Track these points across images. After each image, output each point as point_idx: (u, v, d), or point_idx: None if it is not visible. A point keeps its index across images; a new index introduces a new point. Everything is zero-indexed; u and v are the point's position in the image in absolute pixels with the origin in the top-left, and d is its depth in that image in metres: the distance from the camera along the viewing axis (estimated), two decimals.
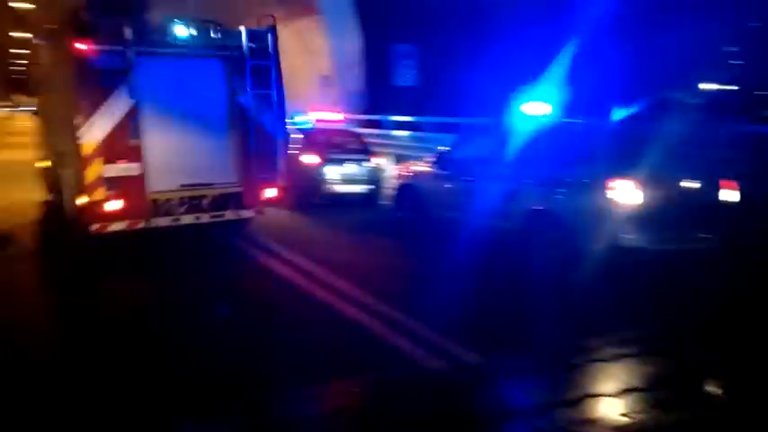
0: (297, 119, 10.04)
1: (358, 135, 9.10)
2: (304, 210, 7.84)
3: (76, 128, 4.02)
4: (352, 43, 13.99)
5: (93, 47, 3.89)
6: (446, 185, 5.25)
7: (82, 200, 4.16)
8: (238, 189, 4.69)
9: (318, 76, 14.12)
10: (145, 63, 4.11)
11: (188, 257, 4.64)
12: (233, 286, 4.24)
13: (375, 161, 8.46)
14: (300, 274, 4.44)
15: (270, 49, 4.67)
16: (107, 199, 4.10)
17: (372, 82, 14.13)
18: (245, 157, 4.66)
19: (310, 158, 8.27)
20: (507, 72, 8.82)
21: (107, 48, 3.97)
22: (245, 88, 4.61)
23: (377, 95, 13.62)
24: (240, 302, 3.86)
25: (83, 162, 4.06)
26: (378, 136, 11.74)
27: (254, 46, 4.63)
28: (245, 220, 4.88)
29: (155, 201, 4.40)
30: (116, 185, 4.16)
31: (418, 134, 11.01)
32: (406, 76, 12.59)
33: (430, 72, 12.61)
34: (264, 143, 4.69)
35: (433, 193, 5.41)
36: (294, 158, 8.26)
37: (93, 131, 4.08)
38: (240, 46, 4.63)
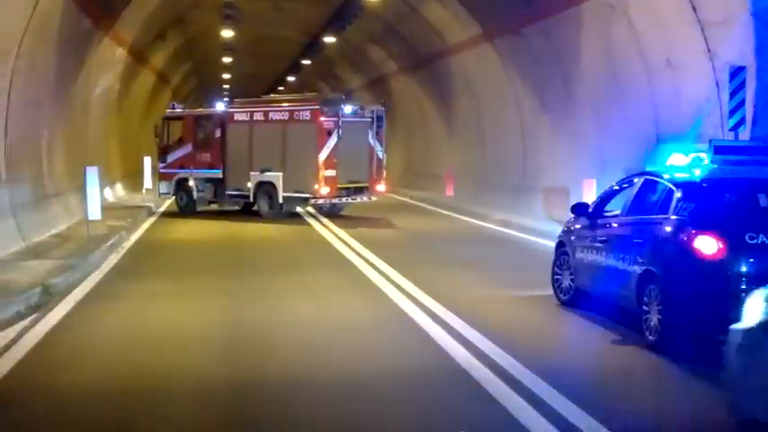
0: (673, 160, 10.01)
1: None
2: (700, 360, 8.05)
3: (317, 153, 20.91)
4: None
5: (326, 119, 21.27)
6: None
7: (315, 186, 21.00)
8: (368, 184, 22.27)
9: (721, 66, 13.60)
10: (340, 124, 21.05)
11: None
12: None
13: None
14: None
15: (383, 118, 22.28)
16: (325, 186, 21.06)
17: None
18: (370, 167, 22.10)
19: (706, 243, 8.30)
20: None
21: (330, 119, 21.26)
22: (372, 135, 21.98)
23: None
24: None
25: (318, 168, 20.83)
26: None
27: (378, 116, 22.15)
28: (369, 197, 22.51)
29: (341, 188, 21.58)
30: (328, 181, 21.08)
31: None
32: None
33: None
34: (378, 162, 22.22)
35: None
36: (677, 242, 9.00)
37: (322, 155, 20.91)
38: (373, 116, 22.03)
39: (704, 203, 8.48)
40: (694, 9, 14.34)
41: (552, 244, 11.77)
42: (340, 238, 17.73)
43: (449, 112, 30.01)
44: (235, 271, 13.82)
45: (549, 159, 21.60)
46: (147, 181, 28.41)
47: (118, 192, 28.94)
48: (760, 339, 4.58)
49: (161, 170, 24.84)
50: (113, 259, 14.58)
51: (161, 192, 25.19)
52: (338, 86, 41.22)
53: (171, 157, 24.40)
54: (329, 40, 33.87)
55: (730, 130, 13.18)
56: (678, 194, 8.75)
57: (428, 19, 26.40)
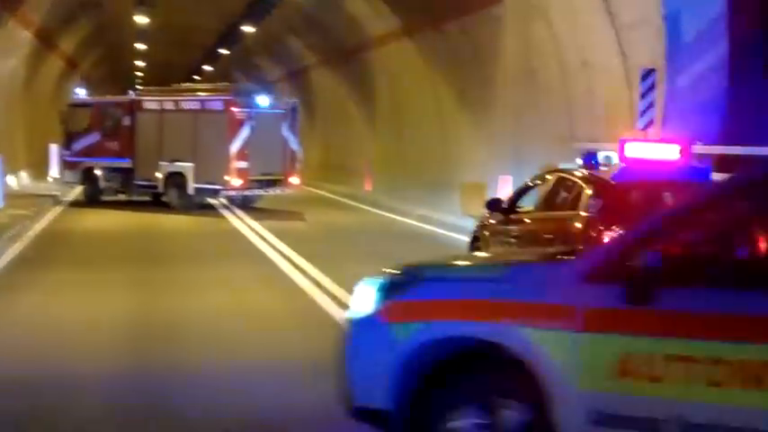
0: (584, 158, 10.21)
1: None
2: None
3: (229, 144, 20.99)
4: (709, 6, 13.35)
5: (239, 110, 21.24)
6: None
7: (226, 177, 21.18)
8: (282, 177, 22.51)
9: (633, 68, 13.95)
10: (253, 115, 21.38)
11: None
12: None
13: None
14: None
15: (297, 110, 23.12)
16: (237, 178, 21.25)
17: (748, 79, 13.18)
18: (284, 160, 22.46)
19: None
20: None
21: (243, 110, 21.32)
22: (286, 127, 22.43)
23: (759, 105, 12.64)
24: None
25: (230, 160, 20.92)
26: None
27: (292, 108, 22.93)
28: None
29: (253, 180, 21.69)
30: (240, 173, 21.17)
31: None
32: None
33: None
34: (291, 154, 22.67)
35: None
36: (585, 239, 8.67)
37: (234, 146, 21.02)
38: (286, 108, 22.74)
39: (613, 201, 8.73)
40: (609, 11, 14.74)
41: (468, 239, 11.98)
42: (254, 231, 17.68)
43: (369, 106, 30.12)
44: (145, 262, 13.66)
45: (468, 156, 21.88)
46: (54, 169, 27.86)
47: (23, 180, 28.24)
48: (370, 329, 4.69)
49: (67, 158, 24.47)
50: (16, 249, 14.27)
51: (66, 180, 24.87)
52: (257, 77, 40.93)
53: (77, 145, 23.97)
54: (248, 29, 33.60)
55: (640, 130, 13.59)
56: (588, 192, 9.02)
57: (348, 11, 26.44)
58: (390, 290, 4.70)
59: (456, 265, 5.30)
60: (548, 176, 10.25)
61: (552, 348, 3.96)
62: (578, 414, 3.88)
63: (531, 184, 10.76)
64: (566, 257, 4.65)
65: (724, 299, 3.71)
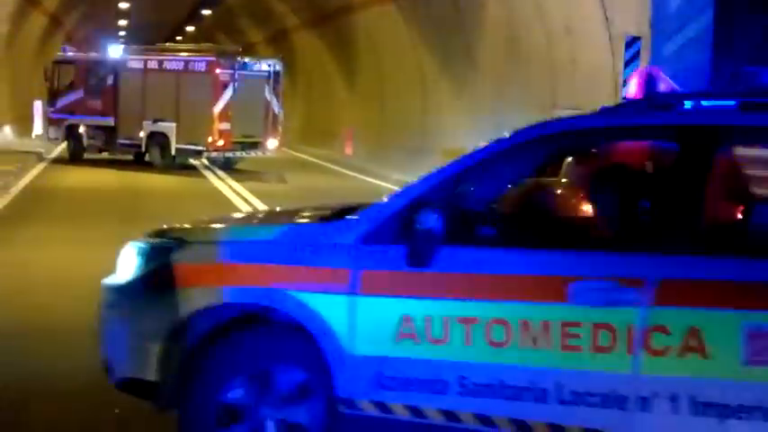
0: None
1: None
2: None
3: (212, 105, 21.15)
4: None
5: (222, 71, 21.40)
6: None
7: (208, 138, 21.38)
8: (263, 139, 22.70)
9: (617, 35, 14.20)
10: (237, 77, 21.40)
11: None
12: None
13: None
14: None
15: (280, 73, 23.06)
16: (219, 139, 21.53)
17: (732, 49, 13.17)
18: (266, 122, 22.50)
19: None
20: None
21: (226, 71, 21.40)
22: (269, 90, 22.38)
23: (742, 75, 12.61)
24: None
25: (212, 121, 21.05)
26: None
27: (275, 71, 22.75)
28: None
29: (235, 142, 21.99)
30: (222, 134, 21.37)
31: None
32: None
33: None
34: (273, 117, 22.64)
35: None
36: None
37: (217, 107, 21.15)
38: (270, 70, 22.61)
39: (593, 169, 8.70)
40: None
41: None
42: (236, 191, 17.63)
43: (350, 70, 29.93)
44: (127, 220, 13.53)
45: (448, 122, 21.83)
46: (38, 126, 27.62)
47: (7, 135, 28.01)
48: (132, 296, 4.35)
49: (50, 115, 24.32)
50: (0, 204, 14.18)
51: (50, 137, 24.73)
52: (239, 39, 40.50)
53: (61, 102, 23.78)
54: None
55: (624, 99, 13.54)
56: (568, 159, 8.97)
57: None
58: (153, 254, 4.33)
59: (225, 226, 4.93)
60: None
61: (329, 313, 3.80)
62: (361, 378, 3.78)
63: None
64: (342, 217, 4.27)
65: (505, 259, 3.67)
